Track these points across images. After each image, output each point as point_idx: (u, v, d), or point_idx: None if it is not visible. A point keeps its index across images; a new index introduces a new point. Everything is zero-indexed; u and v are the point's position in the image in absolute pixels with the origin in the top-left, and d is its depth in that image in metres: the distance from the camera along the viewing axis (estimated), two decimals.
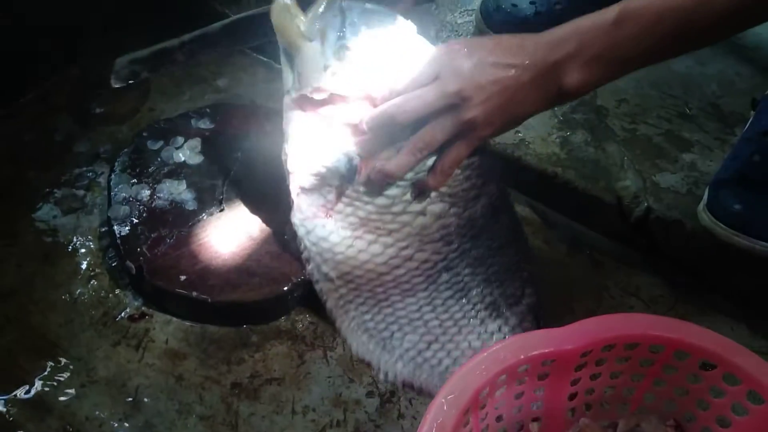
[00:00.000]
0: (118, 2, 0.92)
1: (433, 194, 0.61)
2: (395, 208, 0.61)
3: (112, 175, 0.71)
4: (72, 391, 0.61)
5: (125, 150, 0.74)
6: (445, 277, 0.62)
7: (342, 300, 0.63)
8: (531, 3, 0.86)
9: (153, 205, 0.69)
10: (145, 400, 0.61)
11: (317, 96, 0.59)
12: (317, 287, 0.63)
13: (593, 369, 0.55)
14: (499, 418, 0.54)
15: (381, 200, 0.61)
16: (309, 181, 0.61)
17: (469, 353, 0.61)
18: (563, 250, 0.75)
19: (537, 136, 0.78)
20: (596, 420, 0.58)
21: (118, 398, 0.61)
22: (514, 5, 0.86)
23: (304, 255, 0.63)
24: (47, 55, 0.88)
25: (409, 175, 0.60)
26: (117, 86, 0.69)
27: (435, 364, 0.61)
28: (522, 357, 0.50)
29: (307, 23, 0.58)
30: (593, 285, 0.72)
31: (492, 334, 0.62)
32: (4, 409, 0.59)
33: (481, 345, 0.62)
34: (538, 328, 0.62)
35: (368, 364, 0.63)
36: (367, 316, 0.62)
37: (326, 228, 0.62)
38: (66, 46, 0.90)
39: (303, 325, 0.67)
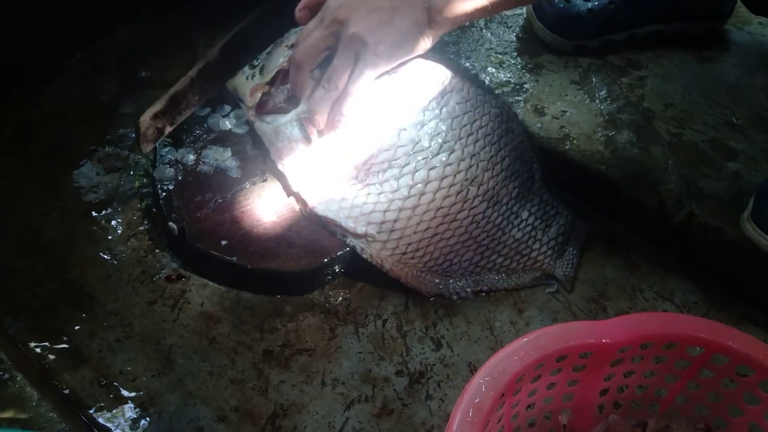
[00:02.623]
0: None
1: (397, 107, 0.65)
2: (374, 140, 0.65)
3: (159, 138, 0.72)
4: (107, 344, 0.62)
5: None
6: (473, 190, 0.66)
7: (393, 252, 0.65)
8: (585, 0, 0.86)
9: (197, 170, 0.70)
10: (178, 359, 0.62)
11: (258, 94, 0.68)
12: (367, 255, 0.65)
13: (628, 366, 0.55)
14: (529, 407, 0.55)
15: (357, 141, 0.65)
16: (299, 166, 0.66)
17: (515, 245, 0.70)
18: (600, 249, 0.75)
19: (582, 133, 0.78)
20: (624, 418, 0.58)
21: (152, 355, 0.62)
22: (568, 1, 0.86)
23: (334, 229, 0.65)
24: (97, 17, 0.89)
25: (381, 107, 0.65)
26: (148, 150, 0.69)
27: (490, 267, 0.69)
28: (562, 346, 0.50)
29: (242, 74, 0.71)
30: (628, 286, 0.72)
31: (524, 220, 0.70)
32: (42, 358, 0.60)
33: (522, 235, 0.70)
34: (552, 195, 0.73)
35: (441, 296, 0.68)
36: (425, 258, 0.66)
37: (337, 191, 0.65)
38: (117, 9, 0.91)
39: (336, 300, 0.67)
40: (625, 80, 0.85)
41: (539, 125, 0.78)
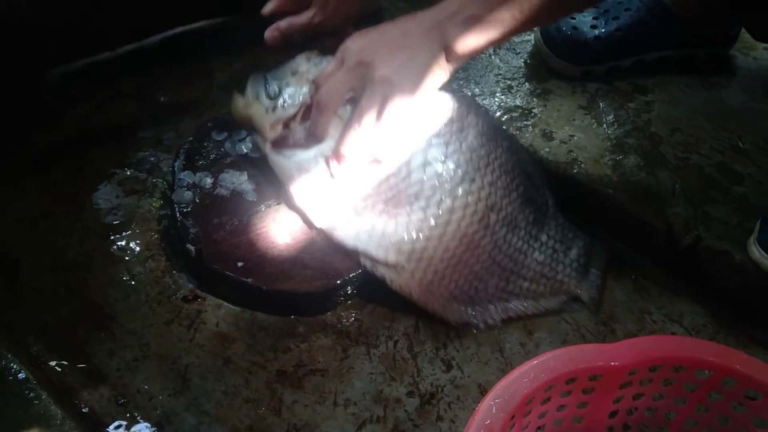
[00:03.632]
0: (193, 1, 0.96)
1: (421, 143, 0.68)
2: (402, 174, 0.67)
3: (177, 161, 0.74)
4: (125, 363, 0.64)
5: (190, 138, 0.77)
6: (493, 217, 0.68)
7: (421, 282, 0.66)
8: (592, 27, 0.88)
9: (215, 193, 0.72)
10: (194, 378, 0.63)
11: (279, 128, 0.69)
12: (396, 286, 0.66)
13: (637, 389, 0.55)
14: (539, 429, 0.55)
15: (386, 178, 0.67)
16: (322, 202, 0.68)
17: (538, 268, 0.71)
18: (609, 272, 0.75)
19: (590, 157, 0.79)
20: None
21: (169, 374, 0.63)
22: (575, 28, 0.88)
23: (364, 260, 0.66)
24: (117, 44, 0.92)
25: (407, 144, 0.67)
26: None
27: (517, 292, 0.70)
28: (571, 368, 0.51)
29: (244, 98, 0.71)
30: (636, 309, 0.72)
31: (544, 243, 0.72)
32: (62, 376, 0.62)
33: (544, 258, 0.71)
34: (567, 221, 0.74)
35: (469, 325, 0.68)
36: (451, 285, 0.67)
37: (366, 223, 0.66)
38: (137, 37, 0.94)
39: (348, 321, 0.69)
40: (632, 105, 0.87)
41: (547, 149, 0.80)
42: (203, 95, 0.90)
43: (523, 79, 0.90)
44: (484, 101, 0.86)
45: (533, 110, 0.85)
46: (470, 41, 0.63)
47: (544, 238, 0.71)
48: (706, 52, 0.94)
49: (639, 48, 0.90)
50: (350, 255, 0.67)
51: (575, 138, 0.82)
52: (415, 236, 0.66)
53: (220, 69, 0.93)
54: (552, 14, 0.65)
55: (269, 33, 0.73)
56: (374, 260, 0.66)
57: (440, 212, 0.66)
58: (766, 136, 0.85)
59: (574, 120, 0.84)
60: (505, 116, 0.84)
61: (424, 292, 0.67)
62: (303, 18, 0.72)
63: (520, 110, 0.85)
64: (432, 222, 0.66)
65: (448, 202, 0.67)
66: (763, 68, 0.97)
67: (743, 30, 0.95)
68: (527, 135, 0.81)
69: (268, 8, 0.74)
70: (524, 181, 0.71)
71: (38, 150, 0.82)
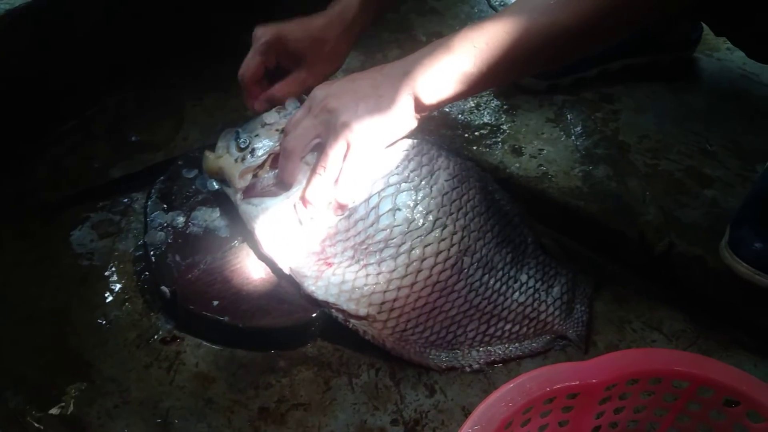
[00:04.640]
0: (159, 40, 0.96)
1: (390, 188, 0.67)
2: (371, 220, 0.66)
3: (149, 202, 0.74)
4: (106, 411, 0.63)
5: (161, 178, 0.77)
6: (467, 260, 0.67)
7: (394, 331, 0.66)
8: None
9: (187, 232, 0.71)
10: (176, 421, 0.62)
11: (248, 176, 0.69)
12: (369, 337, 0.65)
13: (617, 403, 0.55)
14: None
15: (354, 223, 0.66)
16: (291, 249, 0.67)
17: (520, 309, 0.69)
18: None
19: (560, 170, 0.80)
20: None
21: (150, 419, 0.62)
22: None
23: (336, 314, 0.66)
24: (87, 85, 0.92)
25: (376, 190, 0.67)
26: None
27: (499, 335, 0.68)
28: (548, 389, 0.51)
29: (215, 152, 0.73)
30: (616, 318, 0.73)
31: (524, 283, 0.70)
32: (41, 427, 0.61)
33: (525, 298, 0.70)
34: (549, 257, 0.73)
35: (453, 369, 0.67)
36: (426, 333, 0.66)
37: (336, 274, 0.65)
38: (105, 77, 0.94)
39: (329, 352, 0.68)
40: (599, 115, 0.88)
41: (517, 165, 0.81)
42: (173, 132, 0.91)
43: (491, 97, 0.90)
44: (451, 120, 0.87)
45: (502, 126, 0.86)
46: (437, 93, 0.63)
47: (523, 278, 0.70)
48: (669, 57, 0.95)
49: (603, 58, 0.91)
50: (324, 308, 0.66)
51: (545, 151, 0.83)
52: (385, 287, 0.65)
53: (189, 106, 0.94)
54: (520, 73, 0.65)
55: (258, 105, 0.74)
56: (345, 313, 0.65)
57: (411, 260, 0.65)
58: (733, 137, 0.86)
59: (542, 133, 0.85)
60: (474, 134, 0.85)
61: (398, 341, 0.66)
62: (294, 83, 0.74)
63: (489, 127, 0.86)
64: (403, 271, 0.65)
65: (418, 250, 0.65)
66: (727, 69, 0.98)
67: (706, 31, 0.97)
68: (497, 152, 0.82)
69: (247, 73, 0.74)
70: (500, 221, 0.70)
71: (10, 196, 0.81)
